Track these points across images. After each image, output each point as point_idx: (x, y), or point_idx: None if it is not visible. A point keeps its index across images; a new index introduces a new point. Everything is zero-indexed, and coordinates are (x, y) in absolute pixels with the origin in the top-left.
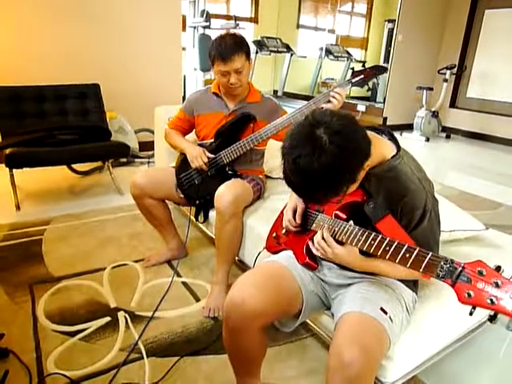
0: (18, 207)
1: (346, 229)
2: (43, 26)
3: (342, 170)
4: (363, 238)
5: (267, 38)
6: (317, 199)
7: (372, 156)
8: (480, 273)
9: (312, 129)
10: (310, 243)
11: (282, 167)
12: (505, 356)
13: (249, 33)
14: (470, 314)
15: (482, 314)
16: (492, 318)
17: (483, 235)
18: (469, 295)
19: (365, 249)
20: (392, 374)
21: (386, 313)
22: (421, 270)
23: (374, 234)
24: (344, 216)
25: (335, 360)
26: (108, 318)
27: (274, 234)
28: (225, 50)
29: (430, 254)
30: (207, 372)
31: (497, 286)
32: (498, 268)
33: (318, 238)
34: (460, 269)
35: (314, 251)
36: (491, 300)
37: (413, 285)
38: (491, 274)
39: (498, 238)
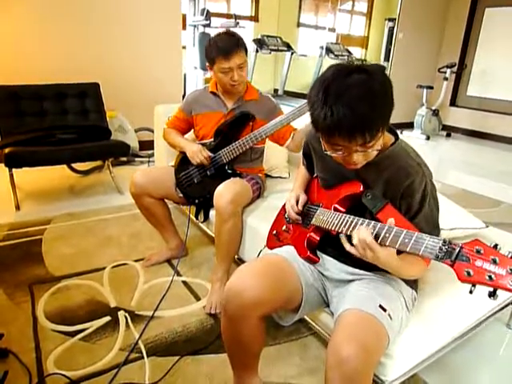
0: (17, 207)
1: (345, 220)
2: (43, 26)
3: (381, 91)
4: (363, 228)
5: (267, 36)
6: (352, 128)
7: None
8: (478, 251)
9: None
10: (352, 247)
11: (318, 106)
12: (505, 354)
13: (249, 31)
14: (470, 292)
15: (482, 312)
16: (491, 294)
17: (483, 233)
18: (468, 274)
19: None
20: (392, 372)
21: (385, 310)
22: (420, 253)
23: (373, 222)
24: (343, 209)
25: (333, 357)
26: (108, 318)
27: (275, 232)
28: (226, 46)
29: (429, 237)
30: (207, 371)
31: (494, 262)
32: (496, 246)
33: (363, 236)
34: (458, 249)
35: (352, 251)
36: (490, 277)
37: (413, 282)
38: (489, 252)
39: (498, 235)
